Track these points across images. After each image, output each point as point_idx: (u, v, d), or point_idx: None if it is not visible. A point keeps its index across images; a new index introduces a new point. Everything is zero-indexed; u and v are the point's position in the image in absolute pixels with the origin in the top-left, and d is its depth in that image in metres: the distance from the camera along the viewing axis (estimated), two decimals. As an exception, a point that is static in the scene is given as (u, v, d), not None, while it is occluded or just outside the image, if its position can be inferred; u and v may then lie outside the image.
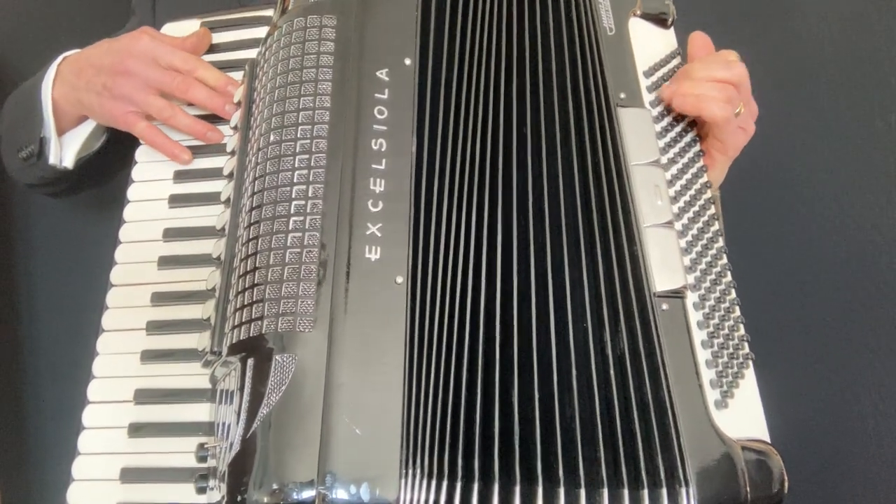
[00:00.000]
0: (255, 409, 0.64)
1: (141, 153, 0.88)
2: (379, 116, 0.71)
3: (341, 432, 0.62)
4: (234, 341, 0.68)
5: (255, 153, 0.73)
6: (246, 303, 0.68)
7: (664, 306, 0.71)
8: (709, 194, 0.78)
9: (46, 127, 0.93)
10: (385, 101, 0.72)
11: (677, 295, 0.72)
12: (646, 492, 0.65)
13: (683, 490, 0.65)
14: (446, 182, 0.72)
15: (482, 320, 0.69)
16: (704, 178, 0.79)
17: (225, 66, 0.89)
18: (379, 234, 0.68)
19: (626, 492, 0.65)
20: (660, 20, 0.84)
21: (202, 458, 0.72)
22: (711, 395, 0.69)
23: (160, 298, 0.81)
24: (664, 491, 0.65)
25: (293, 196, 0.69)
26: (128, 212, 0.85)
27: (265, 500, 0.61)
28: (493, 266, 0.71)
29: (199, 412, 0.77)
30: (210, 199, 0.83)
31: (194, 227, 0.83)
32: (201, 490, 0.71)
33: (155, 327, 0.80)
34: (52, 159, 0.94)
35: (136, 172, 0.87)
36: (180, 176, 0.86)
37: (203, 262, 0.81)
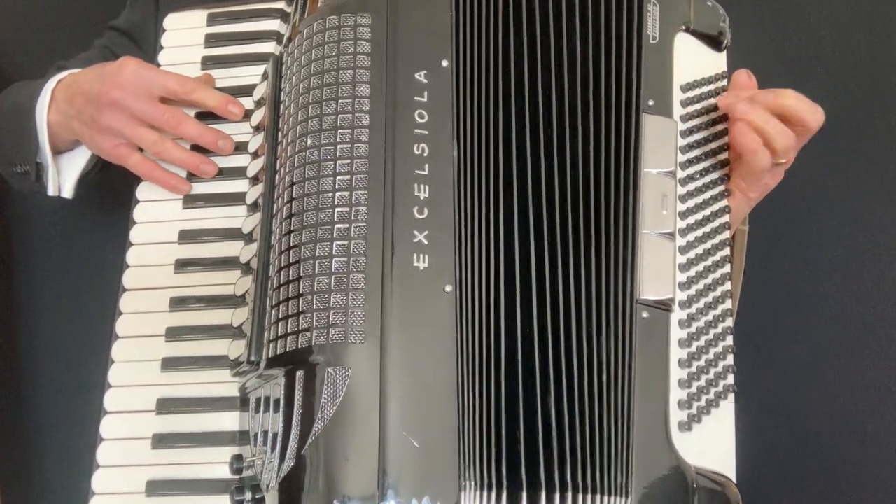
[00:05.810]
0: (308, 423, 0.63)
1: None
2: (420, 120, 0.70)
3: (399, 445, 0.62)
4: (277, 353, 0.66)
5: (289, 156, 0.71)
6: (290, 313, 0.66)
7: (644, 314, 0.69)
8: (725, 219, 0.76)
9: (42, 153, 0.88)
10: (425, 104, 0.70)
11: (662, 307, 0.70)
12: (588, 496, 0.64)
13: (622, 500, 0.64)
14: (483, 188, 0.71)
15: (519, 327, 0.68)
16: (723, 203, 0.76)
17: (234, 59, 0.86)
18: (426, 242, 0.67)
19: (569, 495, 0.64)
20: (712, 40, 0.80)
21: (237, 470, 0.71)
22: (676, 415, 0.68)
23: (179, 303, 0.78)
24: (604, 498, 0.64)
25: (336, 202, 0.67)
26: (138, 213, 0.82)
27: (323, 515, 0.61)
28: (527, 270, 0.70)
29: (224, 422, 0.75)
30: (227, 199, 0.81)
31: (213, 229, 0.80)
32: (238, 503, 0.69)
33: (175, 333, 0.77)
34: (52, 190, 0.90)
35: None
36: (195, 176, 0.82)
37: (223, 265, 0.79)
